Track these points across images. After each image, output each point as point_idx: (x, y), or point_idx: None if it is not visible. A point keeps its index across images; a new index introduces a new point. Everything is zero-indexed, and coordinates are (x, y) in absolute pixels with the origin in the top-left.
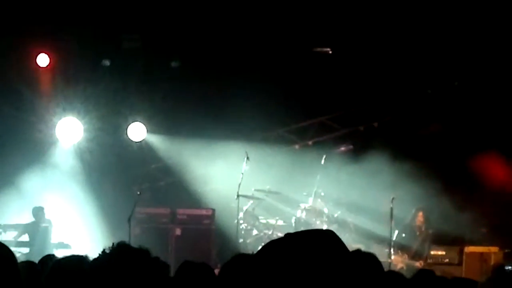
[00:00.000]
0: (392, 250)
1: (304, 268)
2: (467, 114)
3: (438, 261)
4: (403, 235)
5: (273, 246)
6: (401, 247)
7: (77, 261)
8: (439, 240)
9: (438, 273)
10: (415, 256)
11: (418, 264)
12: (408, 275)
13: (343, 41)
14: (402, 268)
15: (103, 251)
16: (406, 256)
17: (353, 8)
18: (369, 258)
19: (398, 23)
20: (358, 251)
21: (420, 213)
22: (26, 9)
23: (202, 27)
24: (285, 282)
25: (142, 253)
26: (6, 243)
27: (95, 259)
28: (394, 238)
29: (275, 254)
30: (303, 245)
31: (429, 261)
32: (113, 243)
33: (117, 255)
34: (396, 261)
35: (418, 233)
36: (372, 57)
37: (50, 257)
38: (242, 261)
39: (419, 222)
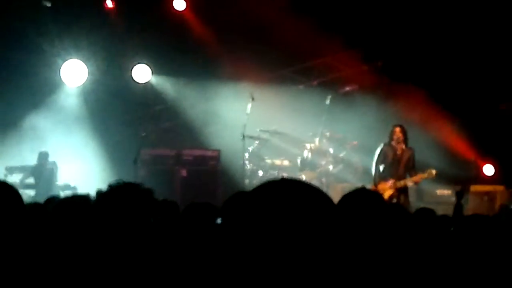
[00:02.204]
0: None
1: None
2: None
3: (443, 200)
4: (382, 166)
5: (266, 187)
6: (386, 175)
7: (79, 200)
8: (444, 179)
9: (441, 212)
10: (404, 175)
11: (413, 180)
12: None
13: None
14: (393, 194)
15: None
16: (394, 180)
17: None
18: (373, 196)
19: None
20: (363, 189)
21: (398, 129)
22: None
23: None
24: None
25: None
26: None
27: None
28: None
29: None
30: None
31: (432, 199)
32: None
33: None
34: (383, 189)
35: (399, 152)
36: None
37: (54, 198)
38: (241, 198)
39: (397, 137)
